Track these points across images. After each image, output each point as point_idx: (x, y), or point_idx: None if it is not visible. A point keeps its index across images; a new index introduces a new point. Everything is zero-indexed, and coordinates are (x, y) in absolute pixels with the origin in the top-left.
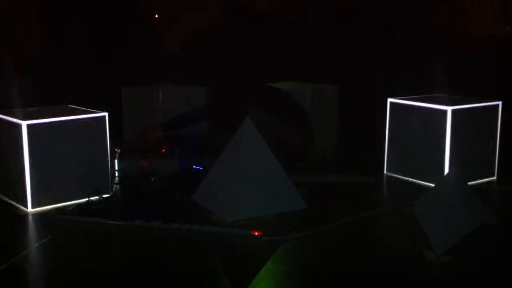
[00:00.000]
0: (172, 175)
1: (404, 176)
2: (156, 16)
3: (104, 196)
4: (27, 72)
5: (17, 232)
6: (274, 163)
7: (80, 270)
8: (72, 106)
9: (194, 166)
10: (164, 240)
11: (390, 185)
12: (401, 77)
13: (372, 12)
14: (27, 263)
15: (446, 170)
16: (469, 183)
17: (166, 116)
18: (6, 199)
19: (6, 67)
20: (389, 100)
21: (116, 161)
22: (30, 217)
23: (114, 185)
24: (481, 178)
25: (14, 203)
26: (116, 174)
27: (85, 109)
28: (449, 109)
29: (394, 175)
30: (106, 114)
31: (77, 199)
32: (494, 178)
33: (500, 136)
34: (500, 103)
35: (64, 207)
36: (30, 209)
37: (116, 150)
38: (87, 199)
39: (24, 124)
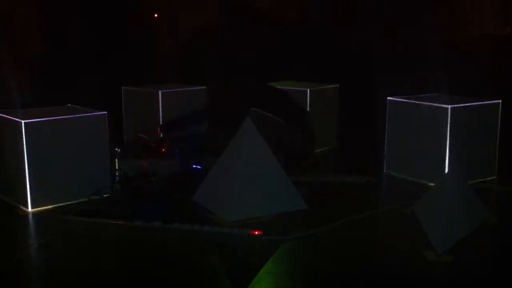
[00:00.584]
0: (172, 175)
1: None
2: (156, 16)
3: (104, 196)
4: (27, 72)
5: (17, 232)
6: (274, 163)
7: (80, 270)
8: (73, 106)
9: (194, 166)
10: (164, 240)
11: (390, 185)
12: (401, 77)
13: (372, 12)
14: (27, 263)
15: (446, 170)
16: (469, 182)
17: (166, 116)
18: (6, 199)
19: (6, 67)
20: (389, 98)
21: (116, 160)
22: (30, 217)
23: (116, 185)
24: (481, 178)
25: (14, 203)
26: (117, 173)
27: (86, 108)
28: (449, 107)
29: (394, 174)
30: (106, 113)
31: (77, 199)
32: (494, 178)
33: (500, 136)
34: (500, 101)
35: (64, 207)
36: (30, 209)
37: (117, 149)
38: (87, 199)
39: (23, 123)
